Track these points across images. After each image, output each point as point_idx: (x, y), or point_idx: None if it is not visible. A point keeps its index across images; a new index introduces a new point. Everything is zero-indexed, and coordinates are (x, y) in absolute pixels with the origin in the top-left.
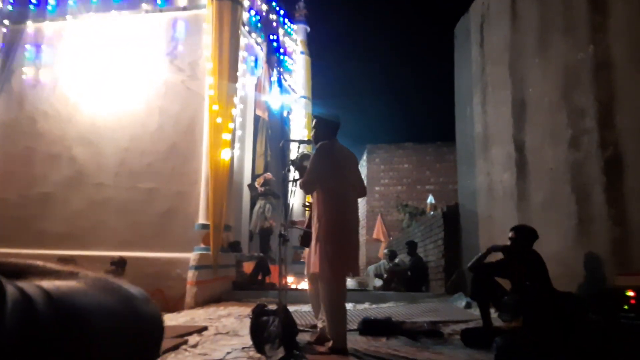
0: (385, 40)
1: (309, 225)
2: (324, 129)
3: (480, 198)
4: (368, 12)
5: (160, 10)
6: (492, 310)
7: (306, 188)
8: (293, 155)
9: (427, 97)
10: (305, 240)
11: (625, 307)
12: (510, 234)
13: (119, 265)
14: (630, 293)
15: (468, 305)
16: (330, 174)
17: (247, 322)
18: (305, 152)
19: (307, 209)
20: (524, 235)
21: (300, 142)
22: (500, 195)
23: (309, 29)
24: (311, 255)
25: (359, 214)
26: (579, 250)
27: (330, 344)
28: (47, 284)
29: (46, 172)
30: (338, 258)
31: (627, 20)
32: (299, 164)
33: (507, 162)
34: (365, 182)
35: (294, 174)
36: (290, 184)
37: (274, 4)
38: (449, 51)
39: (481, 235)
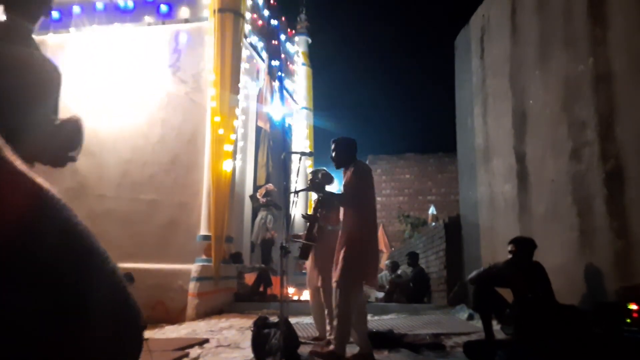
0: (386, 51)
1: (308, 237)
2: (346, 150)
3: (482, 209)
4: (369, 23)
5: (163, 23)
6: (494, 322)
7: (350, 203)
8: (295, 166)
9: (429, 107)
10: (304, 253)
11: (628, 320)
12: (509, 247)
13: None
14: (633, 306)
15: (470, 317)
16: (369, 193)
17: (249, 334)
18: (325, 172)
19: (306, 221)
20: (523, 246)
21: (302, 154)
22: (502, 206)
23: (310, 40)
24: (313, 267)
25: None
26: (580, 262)
27: (330, 347)
28: None
29: (48, 184)
30: (360, 274)
31: (627, 33)
32: (321, 183)
33: (508, 173)
34: None
35: (317, 195)
36: (292, 195)
37: (275, 15)
38: (449, 62)
39: (483, 247)
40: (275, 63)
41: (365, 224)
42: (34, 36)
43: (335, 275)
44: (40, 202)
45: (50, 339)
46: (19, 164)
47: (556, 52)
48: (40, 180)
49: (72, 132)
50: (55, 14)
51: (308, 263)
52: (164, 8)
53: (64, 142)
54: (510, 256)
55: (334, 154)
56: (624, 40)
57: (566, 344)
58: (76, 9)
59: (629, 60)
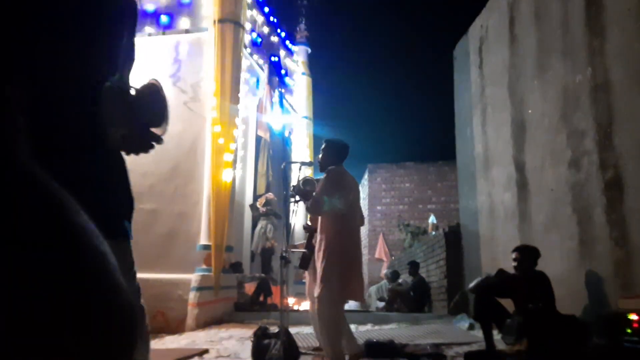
0: (385, 60)
1: (307, 247)
2: (333, 154)
3: (482, 218)
4: (368, 32)
5: (164, 33)
6: (495, 332)
7: (315, 208)
8: (294, 176)
9: (428, 116)
10: (304, 263)
11: (629, 330)
12: (513, 255)
13: None
14: (634, 316)
15: (471, 327)
16: (340, 198)
17: (249, 344)
18: (307, 177)
19: (306, 231)
20: (527, 254)
21: (302, 163)
22: (502, 215)
23: (310, 50)
24: (313, 277)
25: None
26: (581, 271)
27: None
28: None
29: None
30: (340, 284)
31: (624, 44)
32: (302, 188)
33: (507, 182)
34: (366, 201)
35: (296, 200)
36: (292, 204)
37: (275, 25)
38: (449, 71)
39: (483, 256)
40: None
41: (340, 233)
42: None
43: (316, 290)
44: (50, 210)
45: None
46: (31, 163)
47: (554, 62)
48: (54, 185)
49: (154, 102)
50: None
51: (308, 273)
52: (164, 19)
53: (147, 118)
54: (514, 264)
55: (320, 156)
56: (621, 51)
57: (567, 354)
58: None
59: (626, 70)
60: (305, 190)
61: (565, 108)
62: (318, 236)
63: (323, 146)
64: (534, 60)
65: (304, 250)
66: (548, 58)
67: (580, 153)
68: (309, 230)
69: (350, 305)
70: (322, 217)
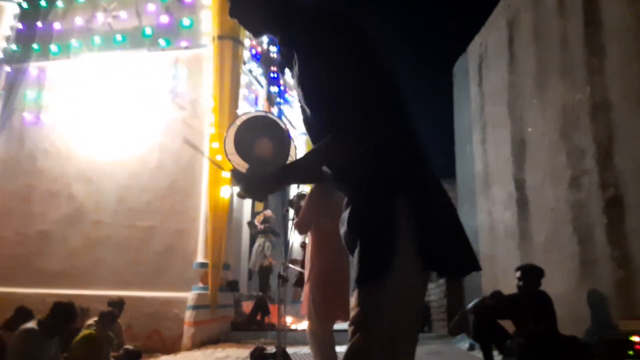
0: None
1: (304, 265)
2: None
3: (482, 237)
4: None
5: (162, 50)
6: (495, 353)
7: (300, 229)
8: (293, 192)
9: (428, 133)
10: (300, 281)
11: (630, 352)
12: (517, 274)
13: (117, 307)
14: (635, 338)
15: (471, 348)
16: (324, 216)
17: None
18: (302, 192)
19: (303, 249)
20: (530, 274)
21: None
22: (502, 234)
23: None
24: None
25: None
26: (582, 291)
27: None
28: None
29: (45, 210)
30: (324, 305)
31: (623, 63)
32: (296, 204)
33: (508, 201)
34: None
35: (292, 214)
36: (290, 222)
37: (274, 41)
38: (448, 88)
39: (483, 275)
40: (274, 89)
41: (324, 252)
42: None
43: (302, 309)
44: None
45: None
46: None
47: (554, 81)
48: None
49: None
50: (54, 42)
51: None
52: (163, 35)
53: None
54: (518, 283)
55: None
56: (620, 69)
57: None
58: (76, 36)
59: (626, 89)
60: (300, 206)
61: (565, 126)
62: (307, 255)
63: None
64: (534, 78)
65: (301, 269)
66: (547, 76)
67: (580, 172)
68: (305, 249)
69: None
70: (310, 236)
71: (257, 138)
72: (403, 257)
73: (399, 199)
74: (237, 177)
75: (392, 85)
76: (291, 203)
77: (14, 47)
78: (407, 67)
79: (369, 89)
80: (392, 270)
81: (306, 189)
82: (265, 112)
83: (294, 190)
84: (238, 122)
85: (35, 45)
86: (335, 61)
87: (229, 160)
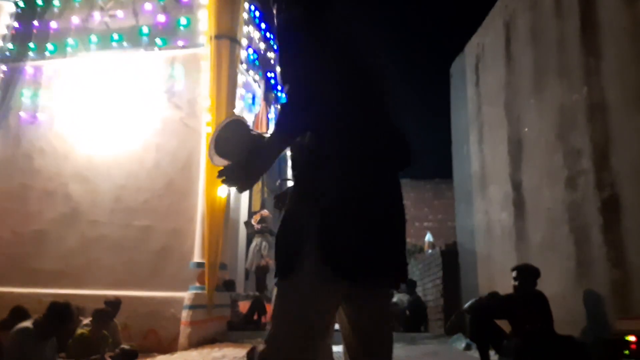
0: None
1: None
2: None
3: (479, 237)
4: None
5: (159, 49)
6: (492, 353)
7: None
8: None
9: (425, 133)
10: None
11: (626, 352)
12: (513, 274)
13: (113, 307)
14: (631, 338)
15: (468, 347)
16: None
17: None
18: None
19: None
20: (527, 274)
21: None
22: (499, 234)
23: None
24: None
25: None
26: (578, 292)
27: None
28: None
29: (41, 209)
30: None
31: (620, 63)
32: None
33: (504, 201)
34: None
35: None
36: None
37: (271, 42)
38: (445, 88)
39: (480, 275)
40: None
41: None
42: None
43: None
44: None
45: None
46: None
47: (551, 81)
48: None
49: None
50: (51, 40)
51: None
52: (160, 34)
53: None
54: (514, 283)
55: None
56: (617, 70)
57: None
58: (72, 35)
59: (622, 89)
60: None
61: (561, 127)
62: None
63: None
64: (531, 78)
65: None
66: (544, 77)
67: (576, 172)
68: None
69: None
70: None
71: (229, 138)
72: (308, 261)
73: (313, 204)
74: (220, 173)
75: (349, 80)
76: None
77: (10, 46)
78: (404, 67)
79: (316, 82)
80: (296, 272)
81: None
82: (230, 118)
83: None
84: (217, 130)
85: (31, 44)
86: (296, 50)
87: (215, 164)
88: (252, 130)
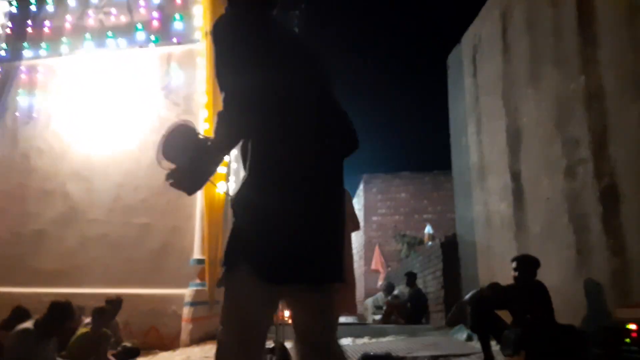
0: (379, 69)
1: None
2: None
3: (478, 228)
4: (362, 42)
5: (155, 46)
6: (493, 343)
7: None
8: None
9: (423, 125)
10: None
11: (627, 340)
12: (512, 265)
13: (114, 305)
14: (632, 326)
15: (469, 338)
16: None
17: None
18: None
19: None
20: (527, 265)
21: None
22: (498, 225)
23: None
24: None
25: (357, 245)
26: (578, 281)
27: None
28: None
29: (39, 209)
30: None
31: (618, 52)
32: None
33: (503, 192)
34: (362, 212)
35: None
36: None
37: None
38: (443, 79)
39: (480, 266)
40: None
41: None
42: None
43: None
44: None
45: None
46: None
47: (548, 71)
48: None
49: None
50: (45, 41)
51: None
52: (155, 30)
53: None
54: (514, 274)
55: None
56: (614, 59)
57: None
58: (68, 33)
59: (620, 78)
60: None
61: (559, 116)
62: None
63: None
64: (528, 68)
65: None
66: (541, 66)
67: (575, 162)
68: None
69: (348, 318)
70: None
71: (176, 143)
72: (238, 265)
73: (238, 210)
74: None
75: (278, 89)
76: None
77: (4, 45)
78: (401, 59)
79: (248, 92)
80: (228, 277)
81: None
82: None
83: None
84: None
85: (26, 44)
86: (230, 59)
87: (162, 167)
88: (199, 135)
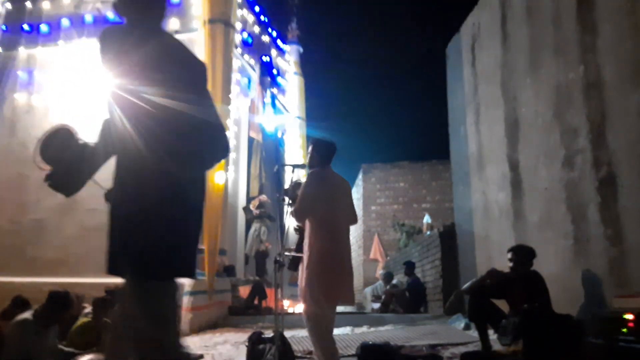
0: (378, 59)
1: (298, 249)
2: (318, 155)
3: (477, 218)
4: (361, 31)
5: None
6: (490, 332)
7: (297, 217)
8: (288, 177)
9: (422, 115)
10: (293, 264)
11: (624, 330)
12: (508, 255)
13: (114, 295)
14: (629, 316)
15: (467, 327)
16: (320, 202)
17: (244, 349)
18: (297, 181)
19: (297, 232)
20: (522, 255)
21: (295, 166)
22: (496, 214)
23: (301, 49)
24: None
25: (356, 234)
26: (576, 270)
27: None
28: None
29: (39, 199)
30: (322, 286)
31: (616, 41)
32: (292, 193)
33: (502, 181)
34: (361, 201)
35: (288, 202)
36: (285, 206)
37: (266, 25)
38: (442, 69)
39: (478, 255)
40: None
41: (321, 235)
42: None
43: (299, 293)
44: None
45: None
46: None
47: (547, 60)
48: None
49: None
50: (44, 28)
51: (299, 275)
52: None
53: None
54: (510, 264)
55: (308, 157)
56: (613, 47)
57: (563, 354)
58: (65, 22)
59: (619, 67)
60: (296, 195)
61: (558, 106)
62: (305, 240)
63: (310, 147)
64: (527, 57)
65: (294, 253)
66: (540, 55)
67: (573, 151)
68: (300, 232)
69: (347, 307)
70: (308, 221)
71: (56, 146)
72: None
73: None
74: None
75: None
76: (287, 192)
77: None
78: (401, 48)
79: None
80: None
81: (302, 178)
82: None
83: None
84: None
85: (25, 28)
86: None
87: (40, 168)
88: (79, 140)
